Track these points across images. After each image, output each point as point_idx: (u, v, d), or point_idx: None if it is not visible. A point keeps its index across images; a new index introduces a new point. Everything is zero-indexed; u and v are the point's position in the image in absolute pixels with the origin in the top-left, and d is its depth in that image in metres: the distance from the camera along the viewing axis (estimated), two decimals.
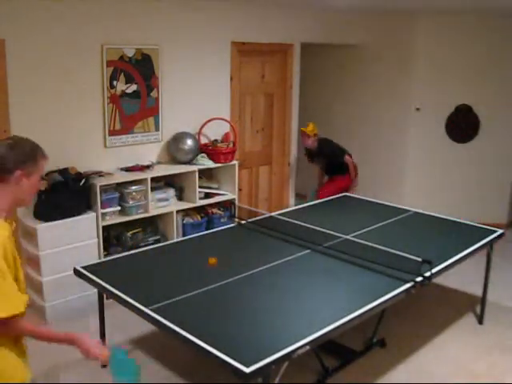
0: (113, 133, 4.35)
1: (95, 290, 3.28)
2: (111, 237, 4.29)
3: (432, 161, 6.09)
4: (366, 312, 2.66)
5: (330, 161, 5.62)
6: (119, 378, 1.93)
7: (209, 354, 2.25)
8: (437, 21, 5.74)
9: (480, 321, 3.99)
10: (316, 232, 3.71)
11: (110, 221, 4.10)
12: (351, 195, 5.01)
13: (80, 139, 4.17)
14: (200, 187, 4.70)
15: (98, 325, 3.31)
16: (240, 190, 5.30)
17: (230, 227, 4.03)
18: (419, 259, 3.04)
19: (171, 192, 4.51)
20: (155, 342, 3.67)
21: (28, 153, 1.83)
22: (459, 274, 4.74)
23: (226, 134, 5.07)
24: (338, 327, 2.50)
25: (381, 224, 4.08)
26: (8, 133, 3.77)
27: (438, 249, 3.57)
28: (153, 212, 4.33)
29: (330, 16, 5.74)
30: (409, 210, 4.50)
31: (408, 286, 2.95)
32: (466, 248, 3.56)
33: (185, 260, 3.32)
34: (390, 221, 4.18)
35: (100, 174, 4.15)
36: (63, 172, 3.93)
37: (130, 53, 4.32)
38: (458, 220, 4.25)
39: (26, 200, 1.92)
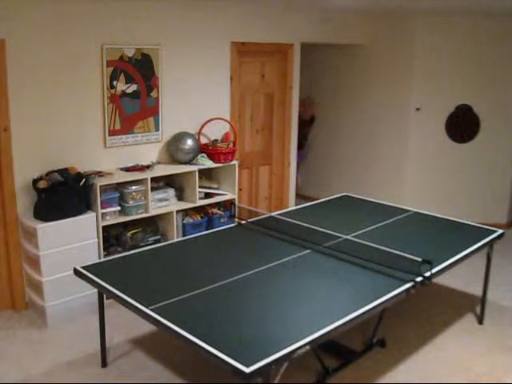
0: (113, 133, 4.35)
1: (95, 290, 3.28)
2: (111, 237, 4.30)
3: (432, 161, 6.09)
4: (366, 312, 2.66)
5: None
6: None
7: (209, 354, 2.25)
8: (437, 21, 5.74)
9: (480, 321, 4.00)
10: (316, 232, 3.72)
11: (109, 221, 4.10)
12: (351, 195, 5.01)
13: (80, 139, 4.18)
14: (200, 187, 4.70)
15: (98, 325, 3.31)
16: (240, 189, 5.31)
17: (230, 227, 4.03)
18: (419, 259, 3.04)
19: (171, 192, 4.52)
20: (155, 342, 3.67)
21: None
22: (459, 274, 4.75)
23: (226, 134, 5.07)
24: (337, 327, 2.50)
25: (381, 224, 4.08)
26: (8, 131, 3.78)
27: (438, 249, 3.57)
28: (153, 212, 4.33)
29: (330, 16, 5.74)
30: (409, 210, 4.50)
31: (408, 285, 2.95)
32: (466, 248, 3.56)
33: (185, 260, 3.33)
34: (389, 221, 4.18)
35: (100, 173, 4.15)
36: (63, 172, 3.93)
37: (129, 53, 4.32)
38: (458, 220, 4.25)
39: None
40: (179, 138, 4.63)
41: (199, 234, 3.92)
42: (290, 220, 3.94)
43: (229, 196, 4.91)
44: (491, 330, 3.89)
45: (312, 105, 6.85)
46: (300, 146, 6.74)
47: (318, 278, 3.05)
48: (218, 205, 4.90)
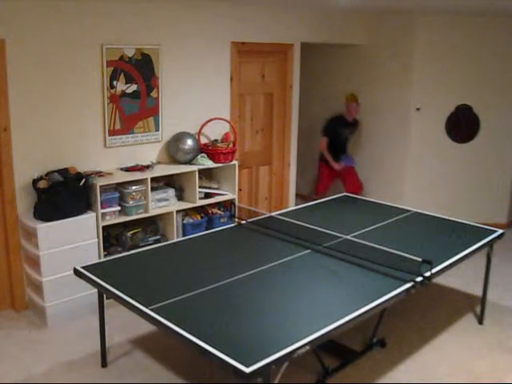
0: (113, 133, 4.35)
1: (95, 290, 3.28)
2: (111, 237, 4.29)
3: (432, 161, 6.09)
4: (366, 312, 2.66)
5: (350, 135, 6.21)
6: None
7: (209, 354, 2.25)
8: (437, 21, 5.74)
9: (480, 321, 3.99)
10: (316, 232, 3.72)
11: (109, 221, 4.10)
12: (351, 195, 5.01)
13: (80, 139, 4.18)
14: (200, 187, 4.70)
15: (98, 325, 3.31)
16: (240, 190, 5.31)
17: (230, 227, 4.03)
18: (419, 259, 3.04)
19: (171, 192, 4.51)
20: (155, 342, 3.67)
21: None
22: (459, 274, 4.74)
23: (226, 134, 5.07)
24: (337, 327, 2.50)
25: (381, 224, 4.08)
26: (8, 131, 3.77)
27: (438, 249, 3.57)
28: (153, 212, 4.33)
29: (330, 16, 5.74)
30: (409, 210, 4.50)
31: (408, 285, 2.95)
32: (466, 248, 3.56)
33: (185, 260, 3.32)
34: (389, 221, 4.18)
35: (100, 173, 4.15)
36: (63, 172, 3.93)
37: (130, 53, 4.32)
38: (458, 220, 4.25)
39: None
40: (179, 138, 4.63)
41: (199, 234, 3.92)
42: (290, 220, 3.94)
43: (229, 196, 4.91)
44: (491, 330, 3.89)
45: (353, 104, 6.06)
46: (341, 151, 6.13)
47: (318, 278, 3.05)
48: (218, 205, 4.89)
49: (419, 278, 3.01)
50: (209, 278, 3.02)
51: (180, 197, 4.66)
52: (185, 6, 4.60)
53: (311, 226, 3.78)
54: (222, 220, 4.80)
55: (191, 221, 4.65)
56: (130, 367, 3.36)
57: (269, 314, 2.61)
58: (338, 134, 6.03)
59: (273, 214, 4.25)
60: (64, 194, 3.79)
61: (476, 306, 4.25)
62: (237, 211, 4.35)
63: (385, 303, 2.79)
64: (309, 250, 3.49)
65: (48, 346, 3.59)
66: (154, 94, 4.54)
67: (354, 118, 6.13)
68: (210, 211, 4.81)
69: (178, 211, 4.53)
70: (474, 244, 3.65)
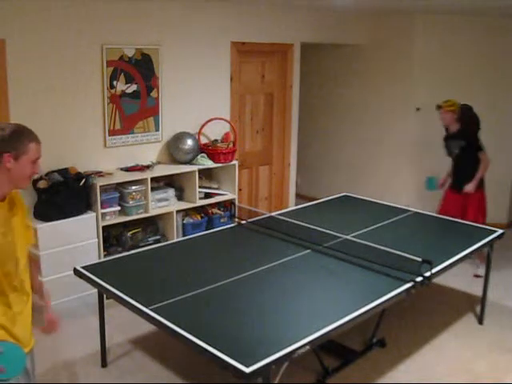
0: (113, 133, 4.35)
1: (95, 290, 3.27)
2: (111, 237, 4.29)
3: (432, 161, 6.07)
4: (365, 312, 2.66)
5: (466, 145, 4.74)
6: None
7: (209, 353, 2.25)
8: (436, 21, 5.74)
9: (480, 321, 3.99)
10: (316, 232, 3.71)
11: (109, 221, 4.10)
12: (351, 195, 5.00)
13: (80, 139, 4.18)
14: (200, 187, 4.70)
15: (98, 325, 3.31)
16: (240, 190, 5.30)
17: (230, 227, 4.03)
18: (419, 259, 3.04)
19: (171, 192, 4.51)
20: (155, 342, 3.67)
21: (12, 136, 1.85)
22: (459, 274, 4.74)
23: (226, 134, 5.07)
24: (337, 327, 2.50)
25: (381, 224, 4.08)
26: None
27: (438, 249, 3.57)
28: (153, 212, 4.33)
29: (329, 16, 5.74)
30: (409, 210, 4.50)
31: (408, 285, 2.95)
32: (466, 248, 3.56)
33: (185, 260, 3.32)
34: (389, 221, 4.18)
35: (100, 173, 4.15)
36: (63, 172, 3.93)
37: (129, 53, 4.32)
38: (458, 220, 4.25)
39: (20, 183, 1.93)
40: (179, 138, 4.63)
41: (199, 233, 3.92)
42: (290, 220, 3.93)
43: (229, 196, 4.91)
44: (491, 330, 3.89)
45: (441, 111, 4.95)
46: (453, 170, 4.99)
47: (318, 278, 3.05)
48: (218, 205, 4.89)
49: (419, 278, 3.01)
50: (209, 278, 3.02)
51: (180, 197, 4.66)
52: (185, 6, 4.60)
53: (311, 226, 3.78)
54: (222, 220, 4.80)
55: (191, 221, 4.65)
56: (130, 367, 3.36)
57: (269, 314, 2.61)
58: (448, 150, 4.99)
59: (273, 213, 4.25)
60: (64, 194, 3.80)
61: (476, 306, 4.24)
62: (237, 211, 4.35)
63: (385, 303, 2.79)
64: (309, 250, 3.49)
65: (48, 346, 3.59)
66: (153, 93, 4.54)
67: (458, 127, 4.90)
68: (210, 211, 4.81)
69: (178, 211, 4.53)
70: (474, 244, 3.65)
